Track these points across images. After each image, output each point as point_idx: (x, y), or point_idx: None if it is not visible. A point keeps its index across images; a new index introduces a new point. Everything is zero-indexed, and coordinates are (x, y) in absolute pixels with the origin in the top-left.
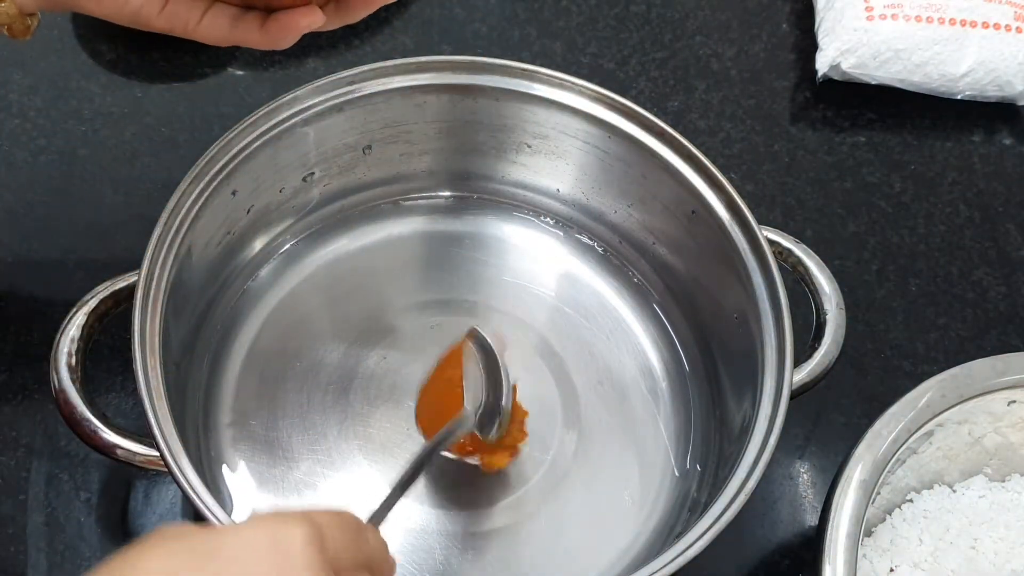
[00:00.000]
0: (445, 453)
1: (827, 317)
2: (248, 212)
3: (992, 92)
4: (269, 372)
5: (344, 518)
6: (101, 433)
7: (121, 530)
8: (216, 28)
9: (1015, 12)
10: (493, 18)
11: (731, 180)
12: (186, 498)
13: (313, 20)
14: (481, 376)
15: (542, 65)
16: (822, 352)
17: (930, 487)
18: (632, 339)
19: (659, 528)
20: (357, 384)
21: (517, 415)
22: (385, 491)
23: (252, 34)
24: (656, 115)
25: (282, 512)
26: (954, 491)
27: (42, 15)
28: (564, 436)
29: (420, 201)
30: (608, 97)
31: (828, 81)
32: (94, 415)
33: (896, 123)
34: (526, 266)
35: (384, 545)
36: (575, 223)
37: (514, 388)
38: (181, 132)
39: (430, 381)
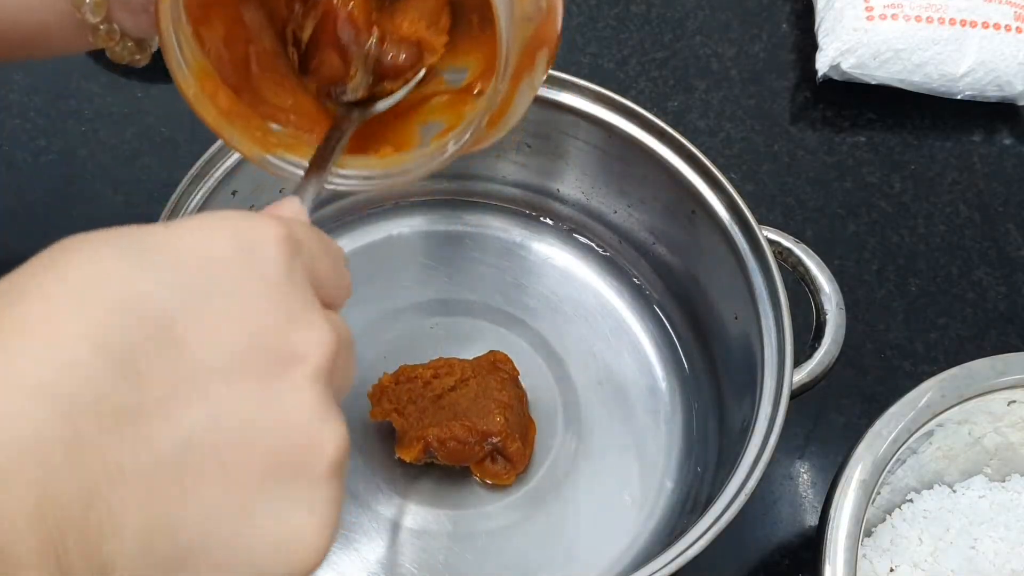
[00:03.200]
0: (450, 464)
1: (827, 317)
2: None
3: (992, 92)
4: None
5: (319, 232)
6: None
7: None
8: None
9: (1015, 12)
10: None
11: (731, 180)
12: None
13: None
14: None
15: None
16: (822, 352)
17: (930, 487)
18: (632, 339)
19: (659, 528)
20: (357, 382)
21: (529, 433)
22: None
23: None
24: (656, 115)
25: (246, 213)
26: (954, 491)
27: None
28: (564, 436)
29: (420, 201)
30: (608, 97)
31: (828, 81)
32: None
33: (896, 123)
34: (526, 266)
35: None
36: (575, 223)
37: (525, 401)
38: (181, 132)
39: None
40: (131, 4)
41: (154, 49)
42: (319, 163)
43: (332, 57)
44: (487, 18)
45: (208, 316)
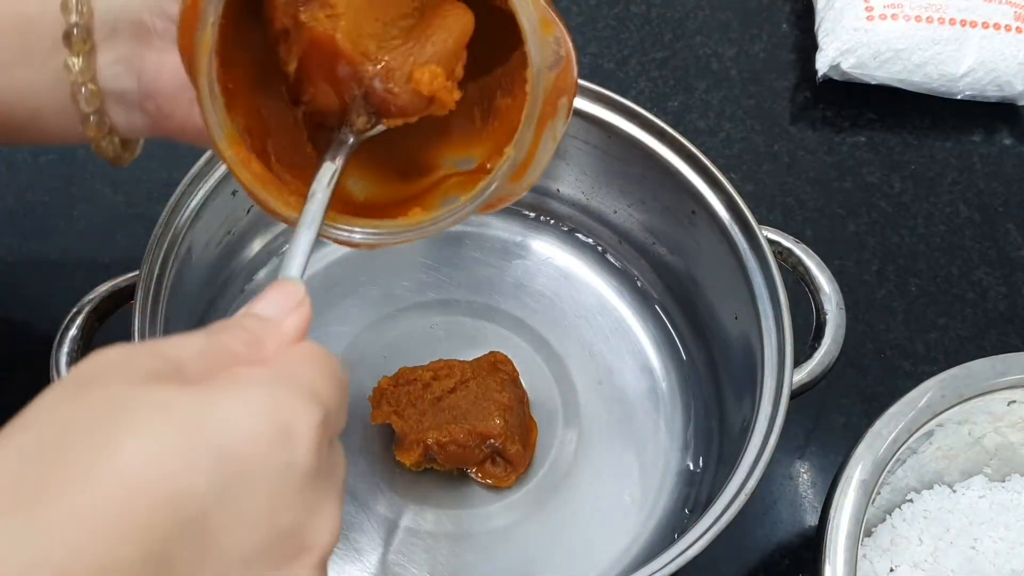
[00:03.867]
0: (450, 467)
1: (827, 317)
2: (248, 212)
3: (992, 92)
4: None
5: (340, 380)
6: None
7: None
8: None
9: (1015, 12)
10: None
11: (731, 180)
12: None
13: None
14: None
15: None
16: (822, 352)
17: (930, 487)
18: (632, 339)
19: (659, 528)
20: (357, 383)
21: (531, 435)
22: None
23: None
24: (656, 115)
25: (281, 379)
26: (954, 491)
27: None
28: (564, 436)
29: None
30: (608, 97)
31: (828, 81)
32: None
33: (896, 123)
34: (526, 266)
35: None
36: (575, 223)
37: (526, 401)
38: None
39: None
40: (126, 99)
41: (138, 152)
42: (308, 221)
43: (328, 95)
44: (491, 110)
45: (239, 510)
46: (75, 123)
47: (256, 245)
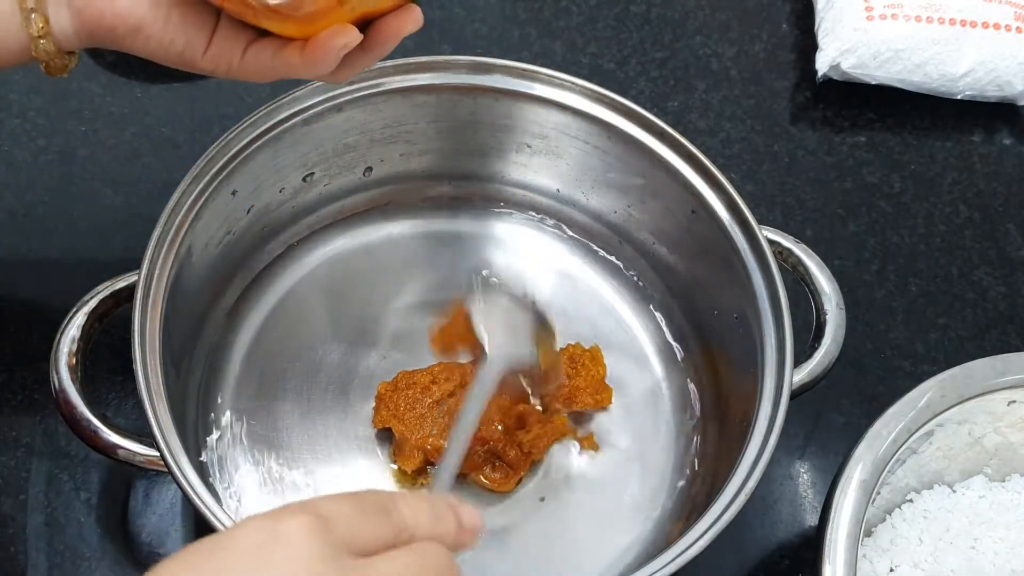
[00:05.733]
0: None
1: (827, 317)
2: (248, 212)
3: (992, 92)
4: (269, 372)
5: (361, 497)
6: (101, 433)
7: (121, 530)
8: (258, 64)
9: (1015, 12)
10: (493, 18)
11: (731, 180)
12: (186, 498)
13: (348, 39)
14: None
15: (542, 65)
16: (822, 352)
17: (930, 487)
18: (632, 339)
19: (659, 528)
20: (357, 384)
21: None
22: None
23: (294, 61)
24: (656, 115)
25: (280, 507)
26: (954, 491)
27: None
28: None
29: (420, 201)
30: (608, 97)
31: (828, 81)
32: (94, 415)
33: (896, 123)
34: (526, 266)
35: (431, 507)
36: (575, 223)
37: (527, 398)
38: (181, 132)
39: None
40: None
41: (72, 65)
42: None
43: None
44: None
45: None
46: (16, 26)
47: (256, 245)
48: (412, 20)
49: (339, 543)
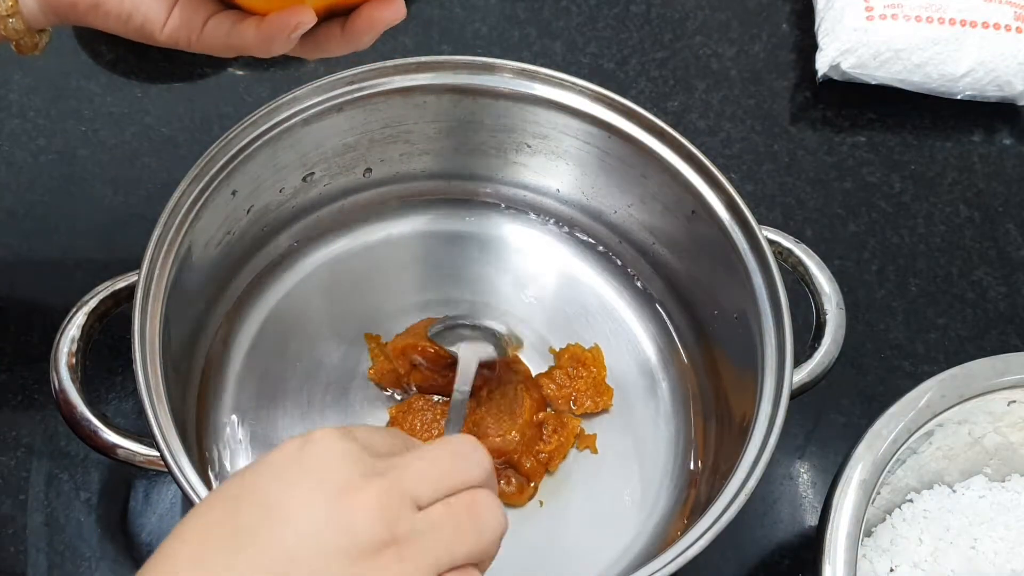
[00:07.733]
0: None
1: (827, 317)
2: (248, 212)
3: (992, 92)
4: (269, 372)
5: (379, 427)
6: (101, 433)
7: (121, 530)
8: (216, 38)
9: (1015, 12)
10: (493, 18)
11: (731, 180)
12: (186, 498)
13: (302, 19)
14: None
15: (542, 65)
16: (822, 352)
17: (930, 487)
18: (632, 339)
19: (659, 528)
20: (357, 384)
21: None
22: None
23: (248, 36)
24: (656, 115)
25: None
26: (954, 491)
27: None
28: None
29: (420, 201)
30: (608, 97)
31: (828, 81)
32: (94, 415)
33: (896, 123)
34: (526, 266)
35: (450, 444)
36: (575, 223)
37: (541, 401)
38: (181, 132)
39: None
40: None
41: (42, 44)
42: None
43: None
44: None
45: None
46: None
47: (256, 245)
48: (392, 11)
49: (365, 445)
